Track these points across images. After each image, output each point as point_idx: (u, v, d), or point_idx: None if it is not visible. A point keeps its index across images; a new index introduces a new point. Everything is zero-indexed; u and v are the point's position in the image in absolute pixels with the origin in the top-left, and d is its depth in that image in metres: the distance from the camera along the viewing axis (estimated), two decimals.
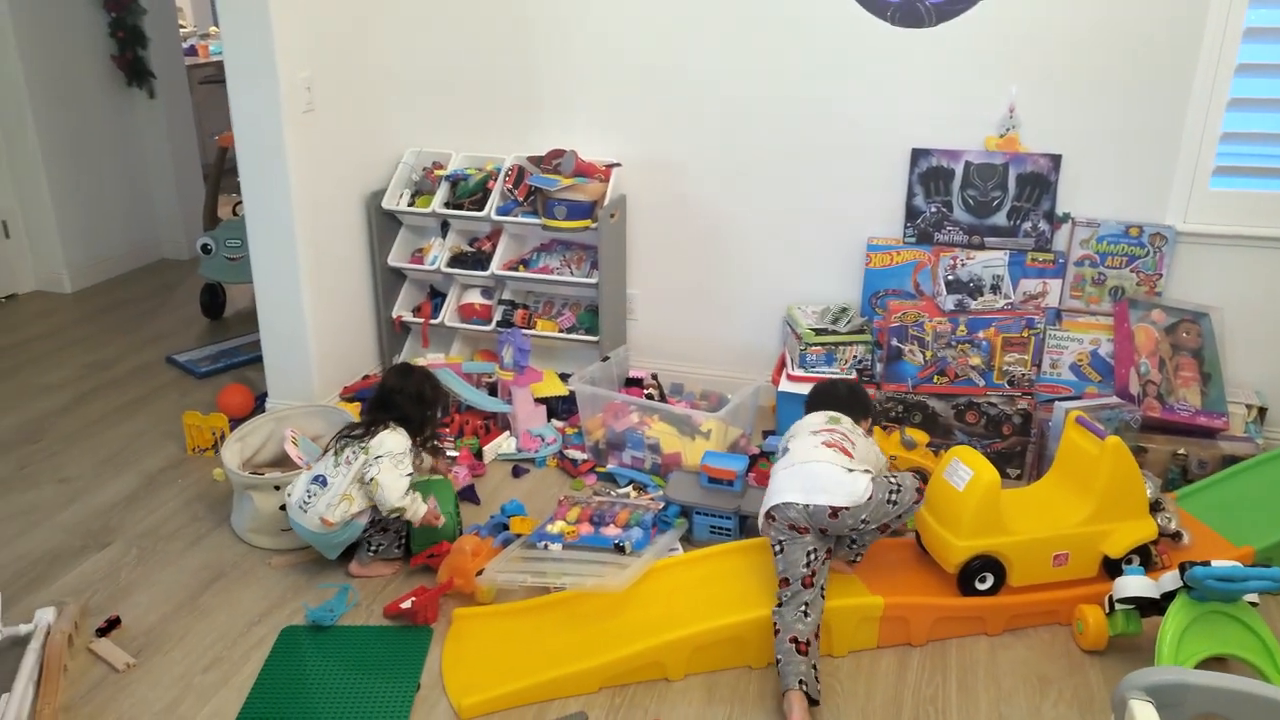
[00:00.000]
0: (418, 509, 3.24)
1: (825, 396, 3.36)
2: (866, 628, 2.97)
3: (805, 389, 4.00)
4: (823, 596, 2.85)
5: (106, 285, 6.39)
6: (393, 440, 3.26)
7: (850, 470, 2.92)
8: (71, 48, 6.11)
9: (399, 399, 3.37)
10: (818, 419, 3.16)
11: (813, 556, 2.86)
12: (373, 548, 3.34)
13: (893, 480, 2.95)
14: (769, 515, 2.96)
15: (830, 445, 2.99)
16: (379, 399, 3.41)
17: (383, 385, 3.44)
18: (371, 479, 3.19)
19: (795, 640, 2.74)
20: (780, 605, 2.84)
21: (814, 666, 2.73)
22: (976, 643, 3.06)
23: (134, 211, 6.70)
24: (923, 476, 3.19)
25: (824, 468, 2.92)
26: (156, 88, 6.59)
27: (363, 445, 3.25)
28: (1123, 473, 3.05)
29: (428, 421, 3.45)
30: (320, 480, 3.24)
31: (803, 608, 2.79)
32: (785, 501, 2.91)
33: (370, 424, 3.33)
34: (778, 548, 2.92)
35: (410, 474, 3.26)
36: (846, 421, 3.16)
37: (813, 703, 2.68)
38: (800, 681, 2.68)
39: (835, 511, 2.85)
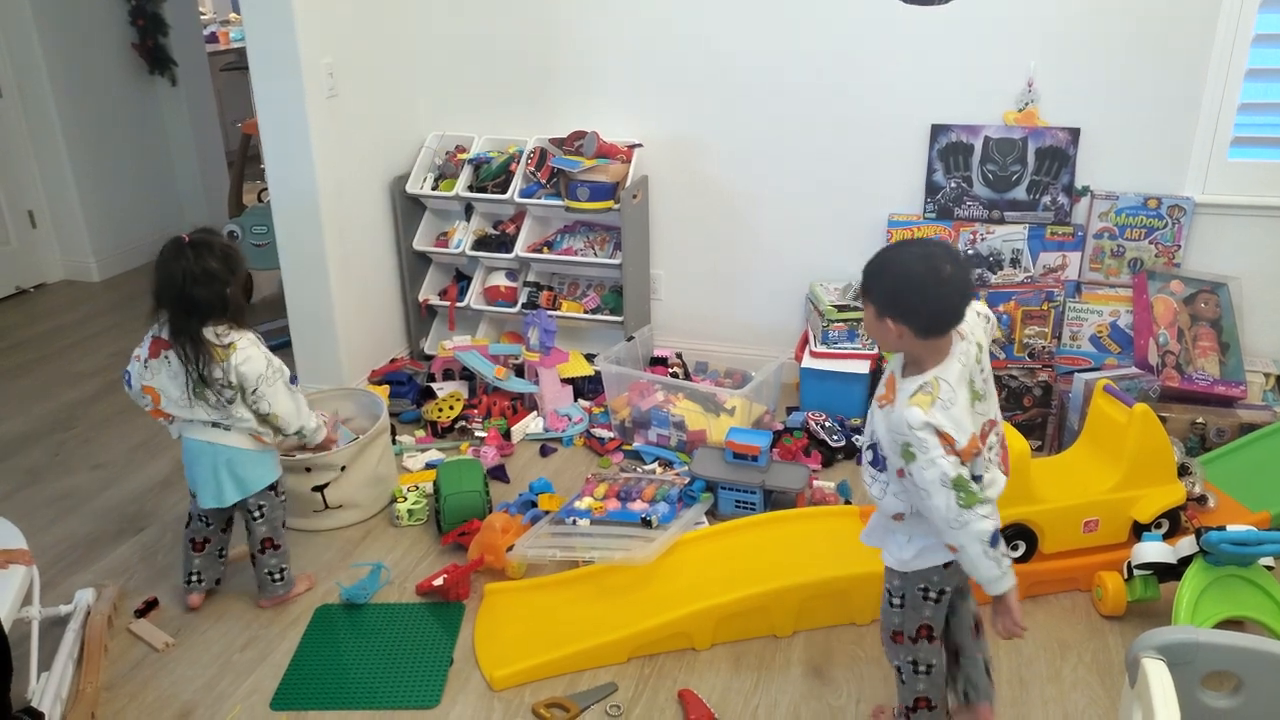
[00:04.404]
0: (320, 431, 3.13)
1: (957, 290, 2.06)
2: None
3: (828, 365, 4.07)
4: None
5: (134, 273, 6.44)
6: (246, 362, 2.85)
7: None
8: (92, 37, 6.16)
9: (194, 289, 2.78)
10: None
11: None
12: (276, 576, 3.15)
13: None
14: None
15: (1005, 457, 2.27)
16: (170, 295, 2.80)
17: (166, 274, 2.79)
18: (268, 414, 2.92)
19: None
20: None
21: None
22: None
23: (159, 199, 6.74)
24: None
25: None
26: (178, 75, 6.63)
27: (227, 384, 2.85)
28: (1151, 439, 3.08)
29: (231, 298, 2.87)
30: (220, 424, 2.93)
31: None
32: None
33: (187, 336, 2.82)
34: (935, 597, 2.30)
35: (290, 375, 2.99)
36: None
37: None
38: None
39: None
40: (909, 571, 2.26)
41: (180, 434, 3.00)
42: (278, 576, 3.15)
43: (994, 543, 2.05)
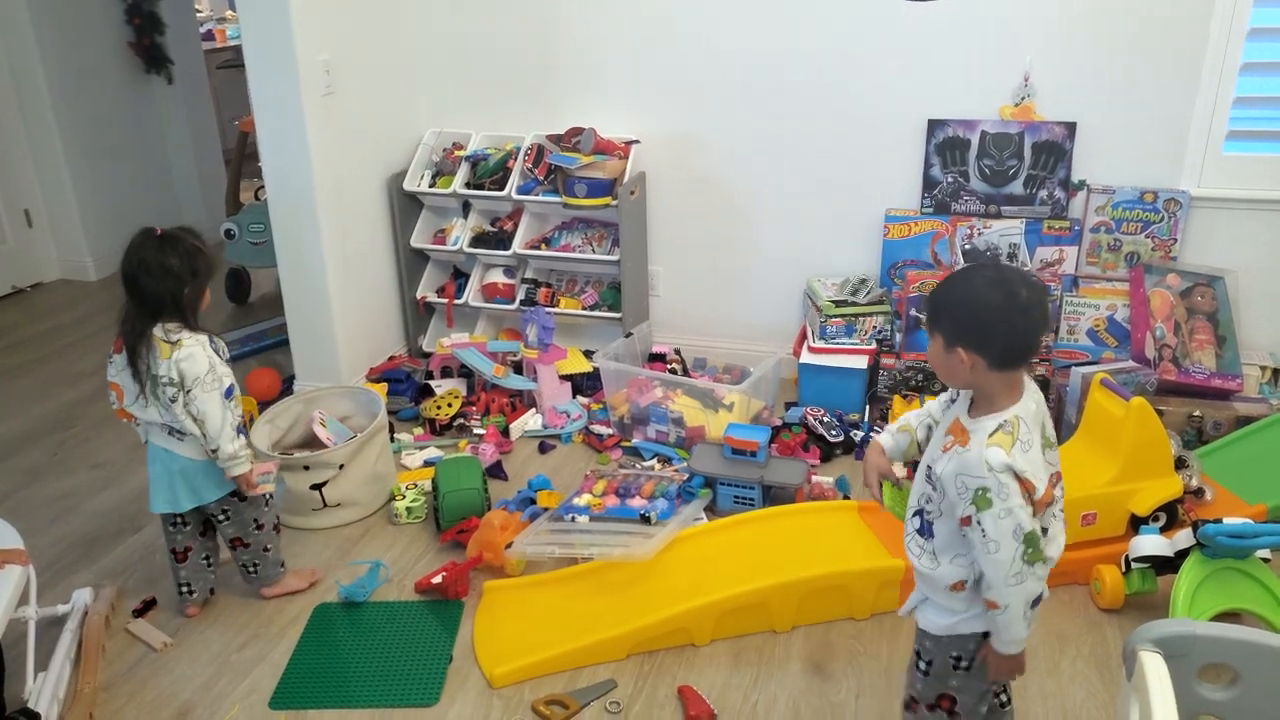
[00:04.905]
0: (239, 462, 2.88)
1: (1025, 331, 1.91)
2: (888, 591, 3.01)
3: (826, 360, 4.06)
4: None
5: None
6: (188, 359, 2.77)
7: None
8: (88, 35, 6.15)
9: (148, 282, 2.74)
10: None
11: None
12: (250, 569, 3.14)
13: None
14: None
15: None
16: (126, 282, 2.78)
17: (127, 261, 2.77)
18: (197, 416, 2.80)
19: None
20: None
21: None
22: None
23: (156, 198, 6.72)
24: None
25: None
26: (175, 73, 6.64)
27: (170, 382, 2.77)
28: (1147, 432, 3.08)
29: (188, 299, 2.81)
30: (175, 432, 2.87)
31: None
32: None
33: (137, 328, 2.79)
34: (966, 665, 2.08)
35: (230, 384, 2.86)
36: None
37: None
38: None
39: None
40: (945, 636, 2.05)
41: (146, 437, 2.95)
42: (251, 570, 3.13)
43: (1035, 604, 1.93)
